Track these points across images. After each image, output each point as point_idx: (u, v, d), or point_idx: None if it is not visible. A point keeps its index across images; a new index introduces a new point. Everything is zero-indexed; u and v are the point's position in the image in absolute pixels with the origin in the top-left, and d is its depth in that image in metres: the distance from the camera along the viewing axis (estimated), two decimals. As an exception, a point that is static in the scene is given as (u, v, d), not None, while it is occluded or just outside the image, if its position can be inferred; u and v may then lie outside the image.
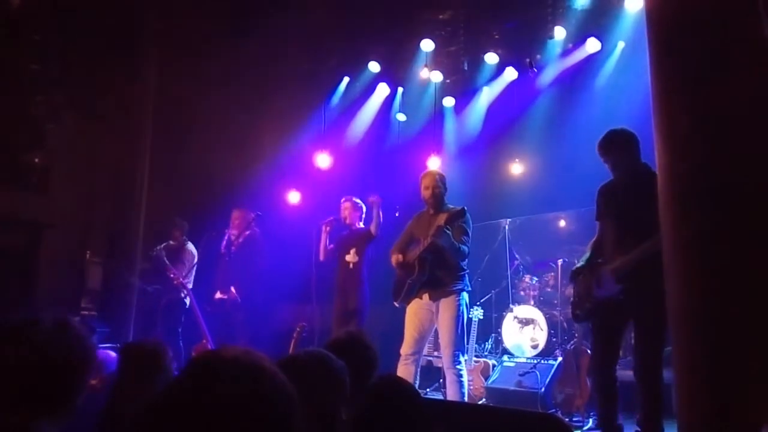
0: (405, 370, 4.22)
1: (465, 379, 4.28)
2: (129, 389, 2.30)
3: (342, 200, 5.51)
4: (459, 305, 4.25)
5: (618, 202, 3.54)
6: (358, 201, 5.48)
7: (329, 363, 1.74)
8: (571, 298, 3.89)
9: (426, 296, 4.32)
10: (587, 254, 3.71)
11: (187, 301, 5.81)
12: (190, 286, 5.83)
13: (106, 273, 6.61)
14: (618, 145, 3.52)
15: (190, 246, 6.08)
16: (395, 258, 4.49)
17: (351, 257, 5.28)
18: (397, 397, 1.79)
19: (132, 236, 6.48)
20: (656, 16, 2.80)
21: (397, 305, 4.48)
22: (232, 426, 0.86)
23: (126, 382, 2.41)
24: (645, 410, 3.31)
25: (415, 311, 4.35)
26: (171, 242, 6.03)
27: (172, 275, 5.72)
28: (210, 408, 0.86)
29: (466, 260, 4.41)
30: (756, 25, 2.45)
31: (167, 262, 5.80)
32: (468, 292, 4.42)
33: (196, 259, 6.02)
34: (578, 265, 3.70)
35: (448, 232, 4.14)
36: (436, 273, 4.28)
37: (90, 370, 1.46)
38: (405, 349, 4.32)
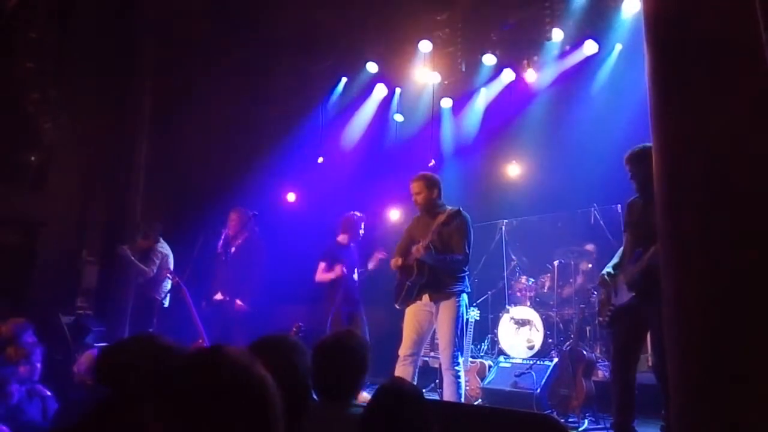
0: (403, 371, 4.22)
1: (463, 380, 4.28)
2: None
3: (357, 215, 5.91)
4: (459, 307, 4.25)
5: (633, 216, 3.82)
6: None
7: (292, 340, 1.99)
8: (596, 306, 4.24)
9: (426, 297, 4.33)
10: (614, 260, 3.94)
11: (166, 302, 5.86)
12: (167, 285, 5.87)
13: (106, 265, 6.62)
14: (635, 157, 3.74)
15: (163, 246, 6.06)
16: (394, 261, 4.50)
17: (357, 276, 5.78)
18: (403, 401, 1.84)
19: (128, 235, 6.46)
20: (654, 18, 2.81)
21: (397, 307, 4.48)
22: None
23: None
24: (668, 407, 3.48)
25: (415, 313, 4.35)
26: (140, 240, 6.07)
27: (169, 275, 5.71)
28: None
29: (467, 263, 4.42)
30: (755, 26, 2.46)
31: (134, 259, 5.88)
32: (468, 293, 4.43)
33: (170, 259, 6.02)
34: (605, 271, 3.92)
35: (432, 248, 4.17)
36: (437, 275, 4.29)
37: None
38: (403, 350, 4.32)
